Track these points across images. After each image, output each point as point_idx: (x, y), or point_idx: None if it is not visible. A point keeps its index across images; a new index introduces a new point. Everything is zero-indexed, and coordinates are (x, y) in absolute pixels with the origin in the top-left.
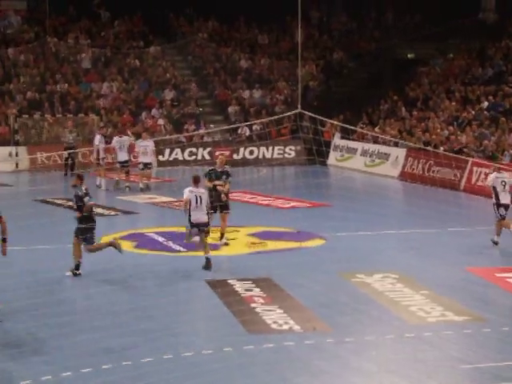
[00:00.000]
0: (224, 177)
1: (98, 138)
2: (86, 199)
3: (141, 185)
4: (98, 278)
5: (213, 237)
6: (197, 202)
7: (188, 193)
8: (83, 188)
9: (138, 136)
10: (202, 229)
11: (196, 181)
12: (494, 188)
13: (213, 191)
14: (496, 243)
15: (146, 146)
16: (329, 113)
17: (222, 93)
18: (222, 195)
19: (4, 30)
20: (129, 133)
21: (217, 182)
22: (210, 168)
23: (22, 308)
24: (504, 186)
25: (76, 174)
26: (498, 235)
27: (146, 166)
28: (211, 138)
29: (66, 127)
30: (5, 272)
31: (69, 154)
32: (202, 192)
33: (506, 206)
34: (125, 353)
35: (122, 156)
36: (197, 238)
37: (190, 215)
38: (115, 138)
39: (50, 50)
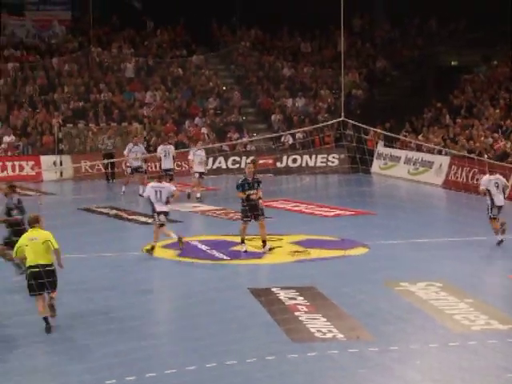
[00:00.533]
0: (256, 185)
1: (128, 147)
2: (14, 212)
3: (198, 194)
4: (141, 287)
5: (255, 245)
6: (156, 195)
7: (150, 188)
8: (14, 199)
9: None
10: (165, 216)
11: (159, 178)
12: (489, 190)
13: (246, 202)
14: (501, 241)
15: (202, 155)
16: (372, 121)
17: (265, 101)
18: (258, 202)
19: (49, 40)
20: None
21: (250, 192)
22: (242, 179)
23: (67, 315)
24: (497, 187)
25: (9, 185)
26: (497, 233)
27: (201, 175)
28: (254, 147)
29: (105, 134)
30: None
31: (109, 162)
32: (163, 187)
33: (500, 208)
34: (169, 361)
35: (167, 164)
36: (165, 227)
37: (154, 206)
38: (160, 147)
39: (94, 59)
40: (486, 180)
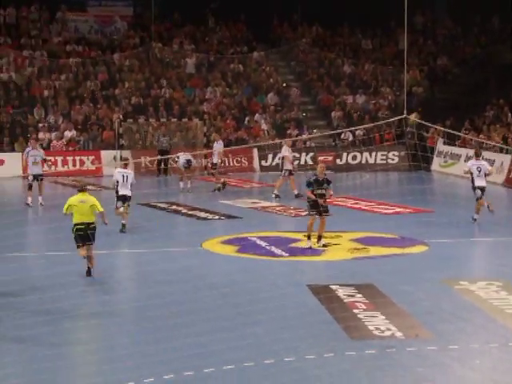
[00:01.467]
0: (325, 184)
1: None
2: None
3: (276, 191)
4: (202, 282)
5: (314, 242)
6: (123, 180)
7: (116, 173)
8: None
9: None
10: (125, 201)
11: (125, 164)
12: (471, 173)
13: (310, 201)
14: (475, 220)
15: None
16: (433, 119)
17: (326, 98)
18: (323, 200)
19: (110, 36)
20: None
21: (319, 191)
22: (313, 177)
23: (131, 308)
24: (479, 171)
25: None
26: (477, 213)
27: (291, 172)
28: (314, 143)
29: (160, 131)
30: (110, 275)
31: (162, 159)
32: (129, 172)
33: (482, 189)
34: (227, 357)
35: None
36: (121, 209)
37: (117, 191)
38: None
39: (155, 55)
40: (470, 163)
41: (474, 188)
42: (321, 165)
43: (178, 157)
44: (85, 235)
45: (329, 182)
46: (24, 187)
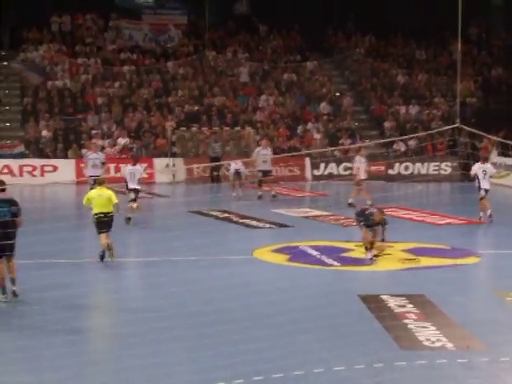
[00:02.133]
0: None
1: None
2: None
3: (350, 200)
4: (252, 290)
5: (365, 251)
6: (131, 177)
7: (127, 170)
8: None
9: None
10: (136, 193)
11: (135, 161)
12: (477, 176)
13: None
14: (480, 218)
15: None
16: (486, 129)
17: (378, 108)
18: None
19: (164, 44)
20: None
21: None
22: (367, 219)
23: (180, 315)
24: (484, 174)
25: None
26: (482, 211)
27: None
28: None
29: (212, 138)
30: (162, 281)
31: (214, 166)
32: (137, 169)
33: (486, 190)
34: (276, 365)
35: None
36: (134, 205)
37: (127, 185)
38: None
39: (209, 63)
40: (477, 167)
41: (479, 188)
42: (377, 212)
43: (229, 164)
44: (103, 222)
45: (385, 223)
46: (78, 193)
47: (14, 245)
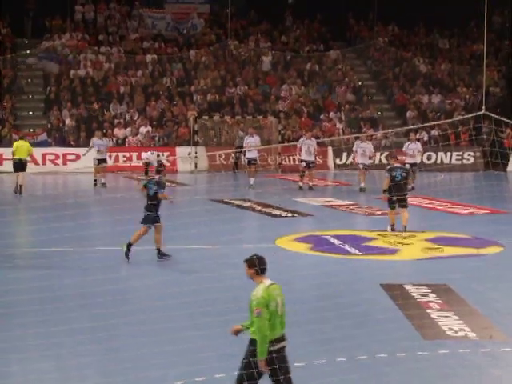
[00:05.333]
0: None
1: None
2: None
3: (362, 184)
4: (274, 279)
5: (388, 241)
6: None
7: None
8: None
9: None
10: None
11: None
12: None
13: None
14: None
15: (366, 147)
16: (510, 119)
17: (401, 97)
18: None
19: (187, 33)
20: None
21: None
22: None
23: (195, 304)
24: None
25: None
26: None
27: (365, 166)
28: (389, 142)
29: (241, 129)
30: (186, 268)
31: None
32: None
33: None
34: (297, 354)
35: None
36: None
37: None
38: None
39: (231, 52)
40: None
41: None
42: None
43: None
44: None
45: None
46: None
47: None
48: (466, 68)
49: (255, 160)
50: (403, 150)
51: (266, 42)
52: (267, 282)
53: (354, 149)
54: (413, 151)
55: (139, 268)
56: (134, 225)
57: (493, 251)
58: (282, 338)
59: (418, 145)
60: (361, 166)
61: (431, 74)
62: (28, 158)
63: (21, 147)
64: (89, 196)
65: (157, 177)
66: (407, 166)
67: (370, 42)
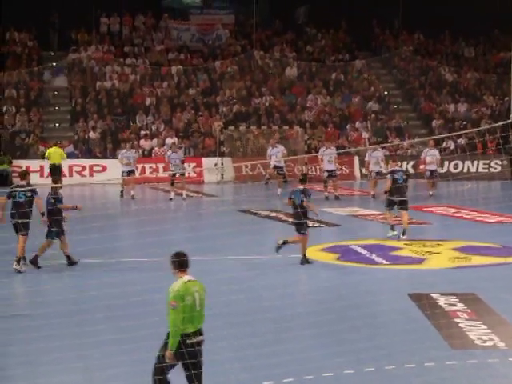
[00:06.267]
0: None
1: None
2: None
3: (372, 192)
4: (302, 289)
5: (415, 250)
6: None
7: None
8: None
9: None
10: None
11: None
12: None
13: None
14: None
15: (378, 156)
16: None
17: (427, 106)
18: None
19: (212, 44)
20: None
21: None
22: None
23: (221, 315)
24: None
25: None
26: None
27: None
28: (415, 152)
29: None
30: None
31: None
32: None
33: None
34: (326, 363)
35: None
36: None
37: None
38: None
39: (256, 62)
40: None
41: None
42: None
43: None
44: None
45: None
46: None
47: None
48: (492, 76)
49: (282, 169)
50: (421, 156)
51: (291, 52)
52: (186, 277)
53: (366, 158)
54: (431, 157)
55: (167, 279)
56: (156, 237)
57: None
58: (198, 333)
59: (436, 152)
60: (374, 175)
61: (457, 83)
62: (62, 163)
63: (54, 153)
64: (116, 208)
65: (301, 187)
66: (428, 173)
67: (396, 51)
